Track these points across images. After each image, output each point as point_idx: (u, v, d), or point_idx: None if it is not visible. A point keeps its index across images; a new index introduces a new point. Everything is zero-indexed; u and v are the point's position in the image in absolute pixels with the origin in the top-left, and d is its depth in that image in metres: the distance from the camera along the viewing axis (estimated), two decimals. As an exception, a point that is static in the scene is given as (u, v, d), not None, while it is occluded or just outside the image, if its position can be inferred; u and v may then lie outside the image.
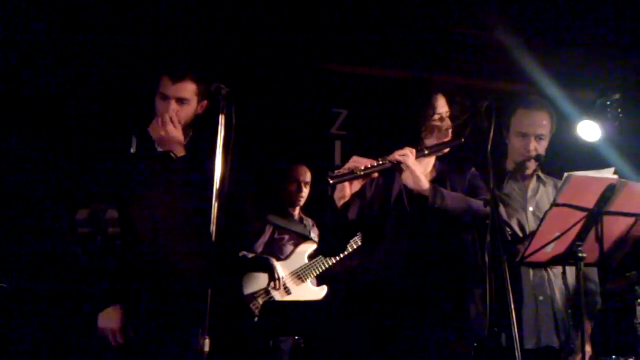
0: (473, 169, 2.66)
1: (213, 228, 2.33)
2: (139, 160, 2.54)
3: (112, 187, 2.48)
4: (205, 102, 2.74)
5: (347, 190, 2.47)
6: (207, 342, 2.32)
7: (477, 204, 2.49)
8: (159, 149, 2.67)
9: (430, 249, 2.50)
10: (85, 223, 2.30)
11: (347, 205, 2.50)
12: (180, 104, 2.65)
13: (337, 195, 2.47)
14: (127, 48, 4.18)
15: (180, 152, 2.62)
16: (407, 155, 2.45)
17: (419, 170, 2.46)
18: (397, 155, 2.45)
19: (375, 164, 2.45)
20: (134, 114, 3.23)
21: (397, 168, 2.47)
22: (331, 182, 2.40)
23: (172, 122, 2.59)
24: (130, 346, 2.55)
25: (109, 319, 2.54)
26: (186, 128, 2.71)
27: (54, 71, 4.07)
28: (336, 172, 2.46)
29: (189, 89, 2.66)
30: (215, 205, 2.34)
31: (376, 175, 2.51)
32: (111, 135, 2.73)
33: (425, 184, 2.44)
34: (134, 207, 2.43)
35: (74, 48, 4.07)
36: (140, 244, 2.47)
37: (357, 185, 2.49)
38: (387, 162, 2.46)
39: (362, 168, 2.42)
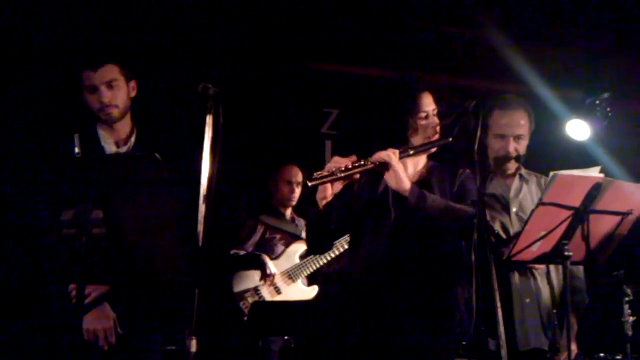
0: (468, 170, 2.64)
1: (200, 228, 2.33)
2: (122, 160, 2.53)
3: (97, 187, 2.48)
4: (133, 82, 2.72)
5: (328, 191, 2.48)
6: (194, 342, 2.32)
7: (462, 210, 2.46)
8: (111, 147, 2.66)
9: (411, 249, 2.50)
10: (70, 224, 2.29)
11: (328, 205, 2.51)
12: (110, 88, 2.63)
13: (318, 195, 2.48)
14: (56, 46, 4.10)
15: (130, 143, 2.64)
16: (389, 156, 2.45)
17: (402, 171, 2.46)
18: (378, 156, 2.46)
19: (356, 165, 2.45)
20: (71, 113, 3.17)
21: (379, 169, 2.47)
22: (309, 184, 2.41)
23: (116, 107, 2.62)
24: (115, 347, 2.54)
25: (100, 318, 2.51)
26: (126, 113, 2.70)
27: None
28: (316, 174, 2.46)
29: (113, 71, 2.64)
30: (202, 205, 2.34)
31: (357, 176, 2.51)
32: (53, 137, 2.70)
33: (406, 185, 2.44)
34: (119, 207, 2.43)
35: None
36: (125, 244, 2.47)
37: (338, 186, 2.49)
38: (369, 162, 2.46)
39: (342, 169, 2.42)
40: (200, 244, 2.31)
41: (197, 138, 2.44)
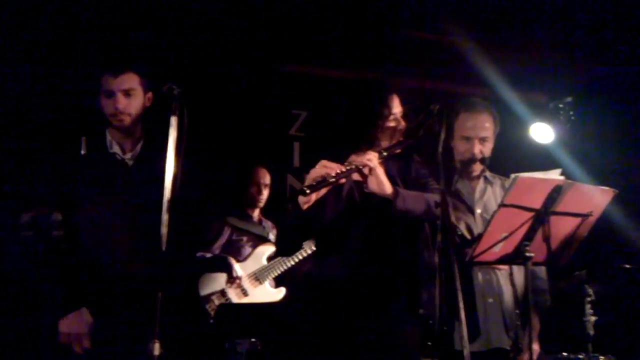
0: (415, 157, 2.69)
1: (164, 230, 2.32)
2: (84, 162, 2.52)
3: (56, 188, 2.45)
4: (150, 94, 2.76)
5: (312, 195, 2.48)
6: (157, 345, 2.30)
7: (432, 198, 2.52)
8: (117, 152, 2.68)
9: (382, 246, 2.53)
10: (28, 226, 2.25)
11: (310, 209, 2.51)
12: (127, 96, 2.68)
13: (302, 199, 2.47)
14: (75, 48, 4.11)
15: (135, 149, 2.61)
16: (371, 160, 2.47)
17: (383, 174, 2.49)
18: (363, 160, 2.48)
19: (344, 169, 2.46)
20: (83, 116, 3.20)
21: (361, 173, 2.49)
22: (307, 192, 2.41)
23: (128, 114, 2.65)
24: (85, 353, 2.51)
25: (75, 323, 2.50)
26: (137, 122, 2.74)
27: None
28: (310, 181, 2.46)
29: (132, 80, 2.70)
30: (165, 207, 2.32)
31: (344, 180, 2.53)
32: (59, 137, 2.72)
33: (389, 188, 2.47)
34: (79, 209, 2.40)
35: (18, 47, 3.99)
36: (86, 246, 2.44)
37: (322, 191, 2.50)
38: (354, 167, 2.47)
39: (333, 175, 2.43)
40: (163, 246, 2.29)
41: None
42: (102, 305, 2.51)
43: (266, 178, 4.34)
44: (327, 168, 2.45)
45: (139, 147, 2.76)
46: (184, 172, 2.41)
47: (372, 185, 2.47)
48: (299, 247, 2.85)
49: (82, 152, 2.60)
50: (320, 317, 2.56)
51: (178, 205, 2.34)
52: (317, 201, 2.52)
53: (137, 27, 4.26)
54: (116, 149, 2.72)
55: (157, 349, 2.30)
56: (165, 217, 2.32)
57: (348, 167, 2.46)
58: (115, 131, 2.75)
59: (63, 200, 2.48)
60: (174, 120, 2.42)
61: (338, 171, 2.43)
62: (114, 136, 2.74)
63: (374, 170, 2.46)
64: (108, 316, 2.53)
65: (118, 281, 2.51)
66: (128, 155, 2.73)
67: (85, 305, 2.53)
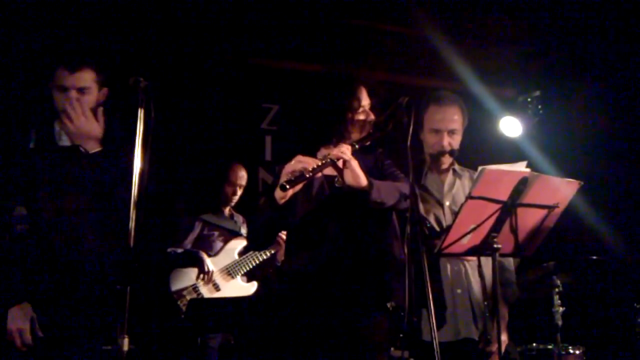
0: (378, 148, 2.70)
1: (131, 224, 2.29)
2: (47, 155, 2.46)
3: (20, 183, 2.40)
4: (105, 90, 2.69)
5: (289, 191, 2.48)
6: (126, 340, 2.28)
7: (404, 187, 2.54)
8: (65, 143, 2.61)
9: (352, 239, 2.54)
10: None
11: (287, 203, 2.51)
12: (81, 94, 2.60)
13: (280, 194, 2.47)
14: (24, 40, 4.02)
15: (96, 147, 2.55)
16: (344, 153, 2.48)
17: (357, 167, 2.49)
18: (337, 153, 2.48)
19: (320, 163, 2.46)
20: (31, 107, 3.11)
21: (335, 166, 2.49)
22: (287, 187, 2.41)
23: (82, 114, 2.54)
24: (38, 347, 2.47)
25: (16, 318, 2.45)
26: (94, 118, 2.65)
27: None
28: (289, 176, 2.45)
29: (88, 78, 2.61)
30: (133, 200, 2.30)
31: (319, 174, 2.52)
32: (8, 130, 2.64)
33: (364, 180, 2.48)
34: (43, 203, 2.36)
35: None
36: (51, 241, 2.40)
37: (299, 186, 2.49)
38: (329, 160, 2.48)
39: (310, 169, 2.43)
40: (131, 241, 2.26)
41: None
42: (68, 300, 2.48)
43: (243, 179, 4.31)
44: (303, 163, 2.45)
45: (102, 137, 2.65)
46: (152, 166, 2.38)
47: (348, 177, 2.47)
48: (271, 242, 2.86)
49: (31, 145, 2.51)
50: (291, 311, 2.56)
51: (146, 200, 2.31)
52: (291, 196, 2.52)
53: (107, 19, 4.20)
54: (65, 140, 2.63)
55: (126, 344, 2.27)
56: (132, 212, 2.29)
57: (323, 161, 2.46)
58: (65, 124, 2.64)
59: (26, 194, 2.43)
60: (141, 113, 2.39)
61: (314, 165, 2.43)
62: (63, 129, 2.64)
63: (349, 162, 2.46)
64: (74, 311, 2.49)
65: (85, 276, 2.47)
66: (82, 148, 2.63)
67: (47, 300, 2.48)
